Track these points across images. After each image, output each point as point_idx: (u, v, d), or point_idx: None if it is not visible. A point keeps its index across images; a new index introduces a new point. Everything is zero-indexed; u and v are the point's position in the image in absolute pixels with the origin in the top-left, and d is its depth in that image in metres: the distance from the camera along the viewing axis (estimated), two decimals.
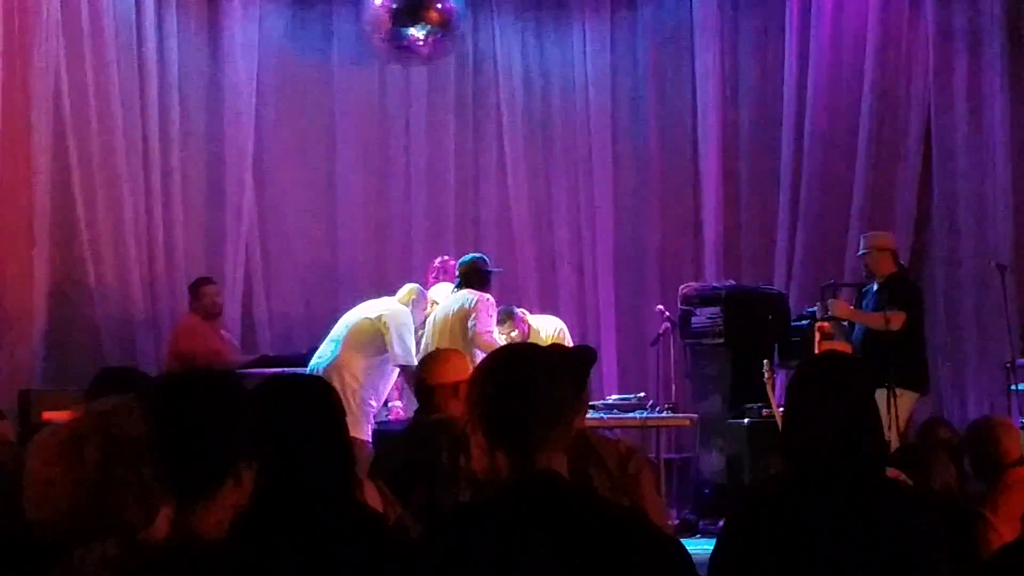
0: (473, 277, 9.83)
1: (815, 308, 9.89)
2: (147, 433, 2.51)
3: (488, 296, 9.73)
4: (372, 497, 3.98)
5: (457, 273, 9.96)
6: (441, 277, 10.47)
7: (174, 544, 2.50)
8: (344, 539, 2.91)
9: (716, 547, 3.56)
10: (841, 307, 9.69)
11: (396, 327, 9.51)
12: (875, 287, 9.62)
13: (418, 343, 9.71)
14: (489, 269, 9.99)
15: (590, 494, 2.85)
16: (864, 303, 9.82)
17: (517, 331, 9.92)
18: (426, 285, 10.17)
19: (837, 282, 10.46)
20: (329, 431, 3.25)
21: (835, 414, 3.46)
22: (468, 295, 9.68)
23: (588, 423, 10.18)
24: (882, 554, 3.30)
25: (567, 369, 2.94)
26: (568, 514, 2.69)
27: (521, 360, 2.90)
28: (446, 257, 10.74)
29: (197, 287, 10.97)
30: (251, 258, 12.11)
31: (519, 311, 10.35)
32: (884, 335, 9.22)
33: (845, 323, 9.77)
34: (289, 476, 3.08)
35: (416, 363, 9.55)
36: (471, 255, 10.15)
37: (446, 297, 9.93)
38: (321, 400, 3.32)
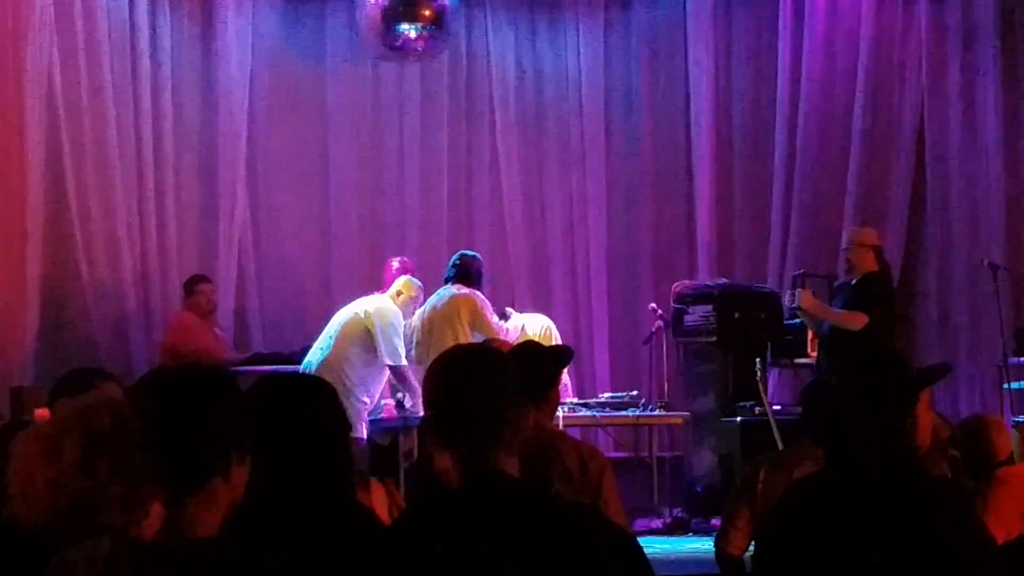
0: (469, 273, 9.81)
1: (785, 297, 9.86)
2: (136, 428, 2.50)
3: (479, 294, 9.75)
4: (378, 498, 3.97)
5: (453, 263, 9.92)
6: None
7: (166, 542, 2.50)
8: (335, 540, 2.92)
9: (756, 547, 3.61)
10: (807, 298, 9.58)
11: (382, 326, 9.53)
12: (852, 283, 9.53)
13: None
14: (482, 271, 9.99)
15: (540, 493, 2.87)
16: (835, 299, 9.77)
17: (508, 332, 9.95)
18: (384, 287, 10.14)
19: (807, 272, 10.41)
20: (328, 432, 3.24)
21: (879, 413, 3.51)
22: (456, 291, 9.66)
23: (581, 421, 10.39)
24: (922, 548, 3.34)
25: (513, 369, 2.95)
26: (518, 514, 2.71)
27: (466, 361, 2.93)
28: (405, 259, 10.71)
29: (192, 284, 10.98)
30: (244, 255, 12.10)
31: (508, 311, 10.37)
32: (849, 334, 9.16)
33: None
34: (285, 476, 3.08)
35: (404, 362, 9.61)
36: (472, 253, 10.19)
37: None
38: (321, 400, 3.31)
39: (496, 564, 2.64)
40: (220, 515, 2.61)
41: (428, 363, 9.45)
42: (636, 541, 2.83)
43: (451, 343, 9.11)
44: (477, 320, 9.58)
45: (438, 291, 9.85)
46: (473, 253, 10.16)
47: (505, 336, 9.57)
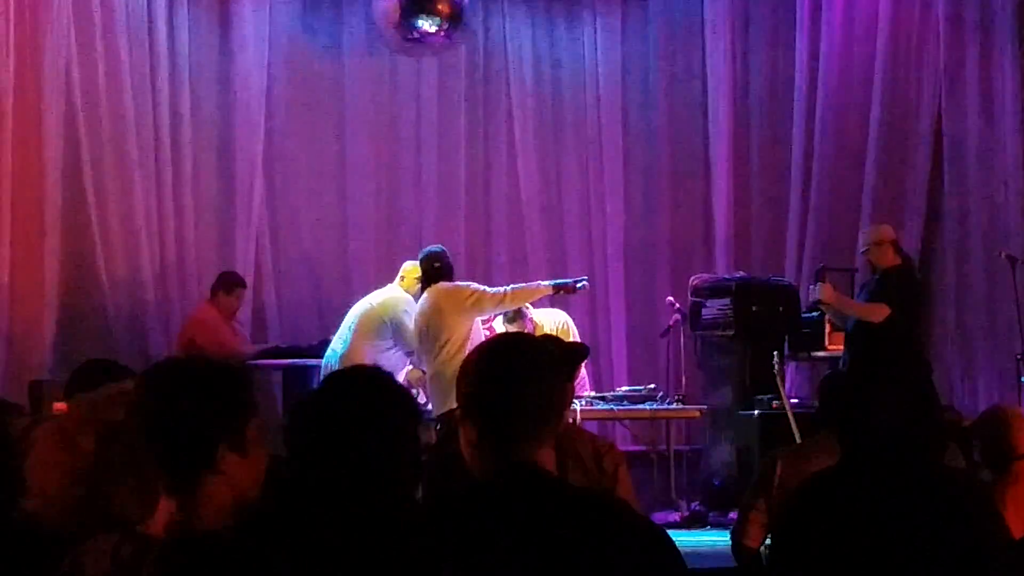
0: (445, 273, 9.40)
1: (804, 292, 9.83)
2: (137, 419, 2.50)
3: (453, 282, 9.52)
4: None
5: (426, 269, 9.47)
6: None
7: (171, 536, 2.49)
8: (384, 536, 2.83)
9: (773, 540, 3.60)
10: (827, 291, 9.49)
11: (394, 316, 9.57)
12: (876, 278, 9.51)
13: None
14: (448, 262, 9.49)
15: (573, 488, 2.82)
16: (859, 296, 9.76)
17: (526, 331, 9.90)
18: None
19: (827, 266, 10.41)
20: (397, 434, 3.10)
21: (892, 406, 3.50)
22: (442, 290, 9.32)
23: (598, 415, 10.36)
24: (939, 541, 3.34)
25: (562, 363, 2.91)
26: (550, 508, 2.68)
27: (516, 351, 2.87)
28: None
29: (233, 286, 10.94)
30: (261, 249, 12.12)
31: (525, 307, 10.30)
32: (873, 328, 9.13)
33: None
34: (336, 472, 2.98)
35: (413, 350, 9.58)
36: (435, 248, 9.65)
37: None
38: (397, 399, 3.19)
39: (527, 557, 2.61)
40: (224, 508, 2.59)
41: (426, 365, 9.17)
42: (669, 536, 2.80)
43: (445, 340, 9.08)
44: (468, 300, 9.21)
45: (421, 297, 9.59)
46: (431, 249, 9.61)
47: (503, 293, 9.25)
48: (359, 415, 2.90)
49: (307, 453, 2.76)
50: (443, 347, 9.09)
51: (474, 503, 2.72)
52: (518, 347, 2.90)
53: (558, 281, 9.69)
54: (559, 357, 2.91)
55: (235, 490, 2.61)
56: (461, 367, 2.87)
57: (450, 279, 9.40)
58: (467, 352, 8.91)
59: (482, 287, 9.34)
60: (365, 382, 3.08)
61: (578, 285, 9.62)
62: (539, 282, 9.75)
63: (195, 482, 2.56)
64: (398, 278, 9.96)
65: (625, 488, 4.70)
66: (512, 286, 9.42)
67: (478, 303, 9.18)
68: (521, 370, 2.80)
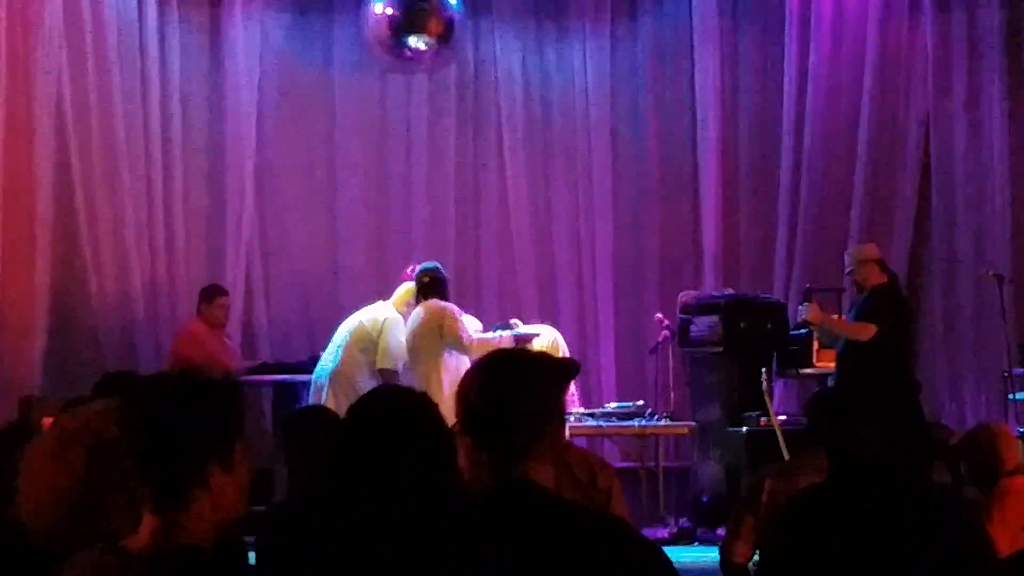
0: (437, 287, 9.64)
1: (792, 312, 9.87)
2: (126, 435, 2.49)
3: (451, 305, 9.64)
4: None
5: (419, 283, 9.71)
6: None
7: (154, 551, 2.49)
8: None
9: (761, 557, 3.62)
10: (814, 311, 9.58)
11: (382, 331, 9.58)
12: (864, 297, 9.55)
13: None
14: (447, 277, 9.83)
15: (570, 505, 2.83)
16: (848, 315, 9.81)
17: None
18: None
19: (814, 287, 10.42)
20: (423, 460, 3.05)
21: (879, 424, 3.53)
22: (434, 307, 9.56)
23: (587, 431, 10.37)
24: (926, 558, 3.36)
25: (557, 378, 2.92)
26: (547, 524, 2.68)
27: (512, 366, 2.88)
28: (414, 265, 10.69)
29: (212, 296, 10.94)
30: (251, 264, 12.13)
31: (513, 322, 10.32)
32: (862, 347, 9.17)
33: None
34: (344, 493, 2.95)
35: (390, 367, 9.62)
36: (430, 264, 9.91)
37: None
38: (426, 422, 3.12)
39: (524, 573, 2.61)
40: (207, 525, 2.59)
41: (413, 380, 9.31)
42: (664, 553, 2.81)
43: (432, 359, 9.13)
44: (446, 325, 9.42)
45: (414, 310, 9.73)
46: (430, 264, 9.90)
47: (471, 342, 9.45)
48: (395, 437, 2.89)
49: (337, 473, 2.76)
50: (425, 364, 9.18)
51: (472, 519, 2.72)
52: (514, 363, 2.91)
53: (517, 332, 9.80)
54: (554, 373, 2.92)
55: (220, 507, 2.59)
56: (459, 384, 2.87)
57: (443, 294, 9.53)
58: (442, 372, 9.00)
59: (461, 325, 9.43)
60: (401, 404, 3.06)
61: (535, 335, 9.82)
62: (500, 334, 9.77)
63: (183, 499, 2.55)
64: (394, 298, 9.96)
65: (619, 505, 4.72)
66: (478, 337, 9.56)
67: (451, 333, 9.33)
68: (517, 386, 2.80)
